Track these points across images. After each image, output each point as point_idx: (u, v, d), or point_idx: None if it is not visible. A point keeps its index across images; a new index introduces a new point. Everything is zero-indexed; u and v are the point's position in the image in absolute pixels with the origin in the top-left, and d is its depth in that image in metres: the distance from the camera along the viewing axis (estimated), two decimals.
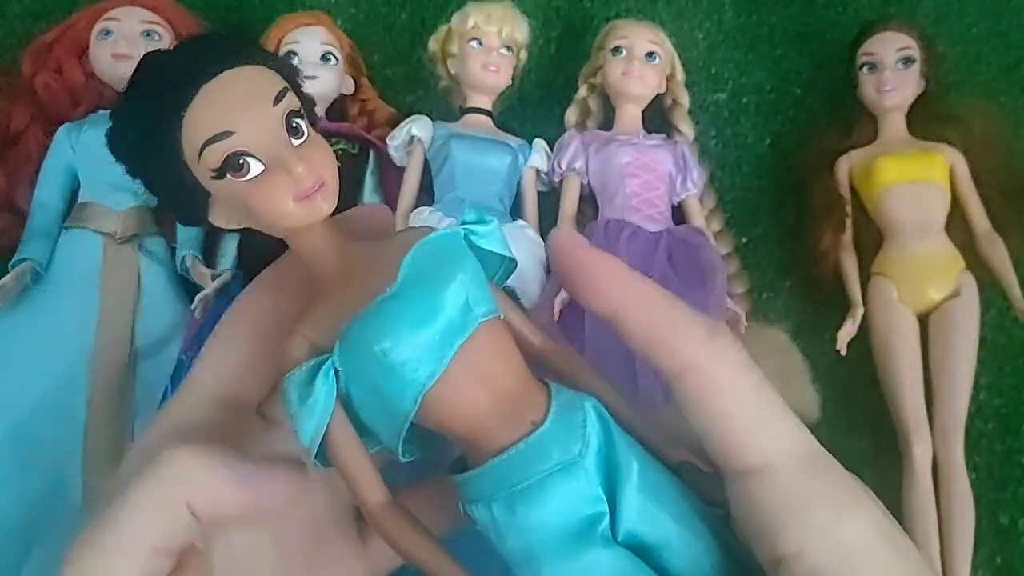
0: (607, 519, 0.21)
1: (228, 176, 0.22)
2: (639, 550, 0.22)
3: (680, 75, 0.89)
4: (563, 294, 0.76)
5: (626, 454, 0.22)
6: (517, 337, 0.25)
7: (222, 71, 0.22)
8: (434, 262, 0.23)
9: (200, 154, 0.22)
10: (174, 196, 0.24)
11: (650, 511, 0.22)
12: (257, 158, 0.22)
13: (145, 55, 0.24)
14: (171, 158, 0.23)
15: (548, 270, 0.81)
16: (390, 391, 0.22)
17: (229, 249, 0.78)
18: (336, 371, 0.22)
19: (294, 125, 0.23)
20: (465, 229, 0.24)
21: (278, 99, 0.23)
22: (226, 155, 0.22)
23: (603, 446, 0.22)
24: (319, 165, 0.23)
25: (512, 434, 0.22)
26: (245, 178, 0.23)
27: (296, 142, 0.23)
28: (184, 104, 0.22)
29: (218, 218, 0.24)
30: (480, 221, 0.24)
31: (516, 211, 0.86)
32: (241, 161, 0.22)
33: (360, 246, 0.25)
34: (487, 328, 0.23)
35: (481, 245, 0.24)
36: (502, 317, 0.24)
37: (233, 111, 0.22)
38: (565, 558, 0.21)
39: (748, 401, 0.21)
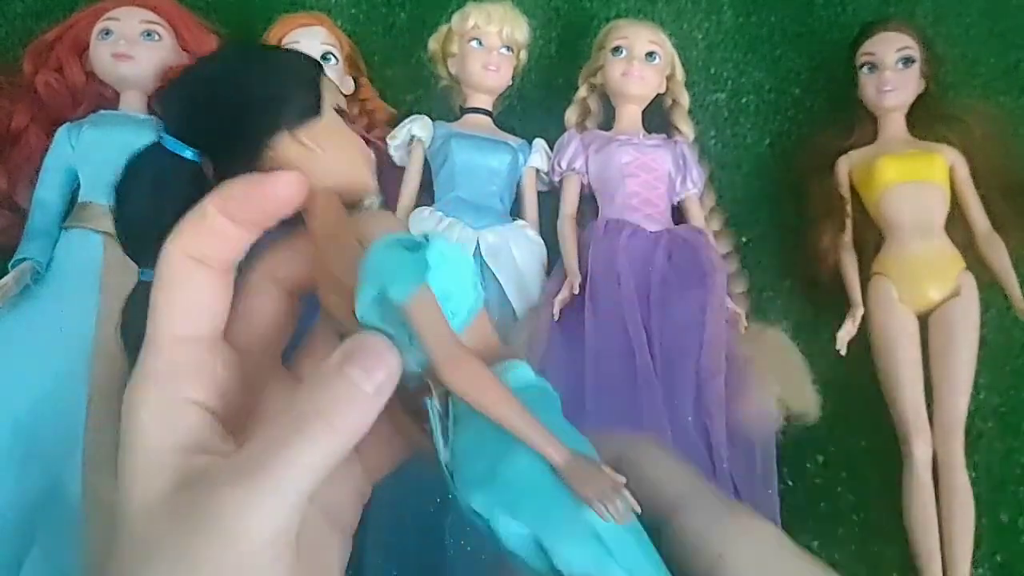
0: None
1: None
2: None
3: (680, 75, 0.89)
4: (563, 294, 0.76)
5: None
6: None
7: None
8: None
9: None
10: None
11: None
12: None
13: None
14: None
15: (548, 271, 0.82)
16: (460, 292, 0.25)
17: None
18: None
19: None
20: None
21: None
22: None
23: None
24: None
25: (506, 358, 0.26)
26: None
27: None
28: None
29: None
30: None
31: (516, 211, 0.86)
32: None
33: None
34: None
35: None
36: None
37: None
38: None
39: None
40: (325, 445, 0.22)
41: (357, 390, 0.23)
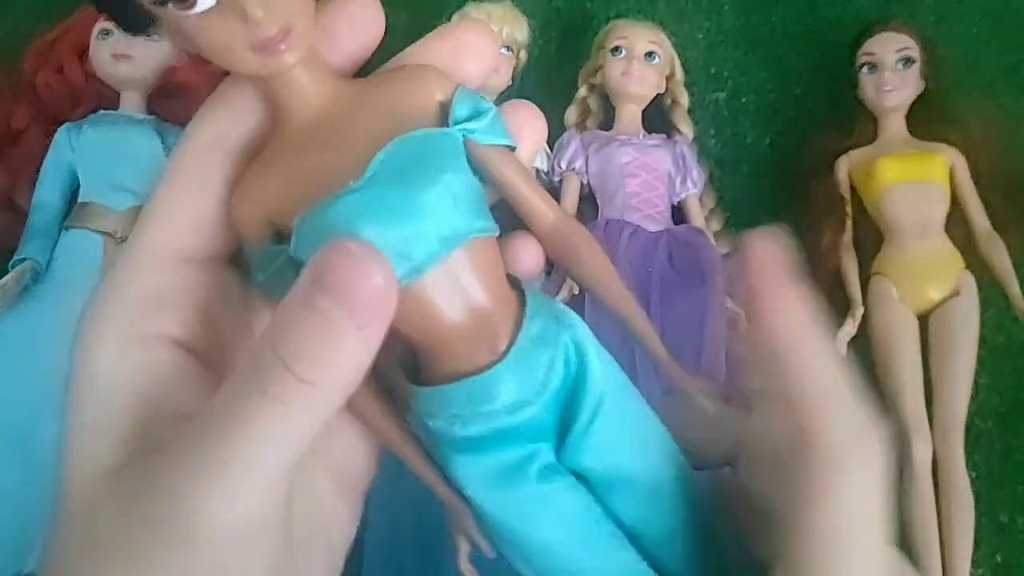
0: (550, 454, 0.21)
1: (170, 5, 0.18)
2: (588, 482, 0.21)
3: (680, 75, 0.89)
4: (562, 294, 0.76)
5: (596, 388, 0.21)
6: (528, 211, 0.22)
7: None
8: (415, 159, 0.19)
9: None
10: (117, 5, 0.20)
11: (606, 450, 0.21)
12: None
13: None
14: None
15: (548, 271, 0.81)
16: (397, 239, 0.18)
17: None
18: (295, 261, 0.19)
19: None
20: (461, 130, 0.20)
21: None
22: None
23: (569, 380, 0.21)
24: (285, 8, 0.19)
25: (470, 362, 0.20)
26: (192, 11, 0.18)
27: None
28: None
29: (168, 37, 0.21)
30: (476, 115, 0.21)
31: None
32: None
33: (346, 89, 0.21)
34: (475, 245, 0.20)
35: (483, 142, 0.21)
36: (496, 235, 0.21)
37: None
38: (495, 490, 0.20)
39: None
40: (300, 408, 0.16)
41: (334, 326, 0.16)
